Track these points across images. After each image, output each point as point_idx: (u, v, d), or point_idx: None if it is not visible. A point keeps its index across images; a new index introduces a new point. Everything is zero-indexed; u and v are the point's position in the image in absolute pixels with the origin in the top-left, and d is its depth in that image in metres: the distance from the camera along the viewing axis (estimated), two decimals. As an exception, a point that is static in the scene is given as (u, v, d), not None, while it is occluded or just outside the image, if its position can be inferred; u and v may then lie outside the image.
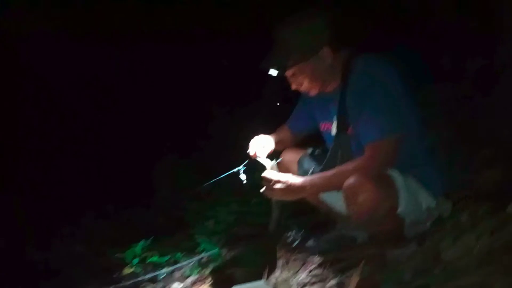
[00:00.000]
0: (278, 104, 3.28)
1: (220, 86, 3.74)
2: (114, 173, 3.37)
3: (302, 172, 1.90)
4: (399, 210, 1.63)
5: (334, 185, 1.67)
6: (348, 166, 1.65)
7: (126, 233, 2.72)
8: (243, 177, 1.81)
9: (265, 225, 2.40)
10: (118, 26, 3.51)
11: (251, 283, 1.61)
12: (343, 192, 1.65)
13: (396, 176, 1.64)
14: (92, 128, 3.68)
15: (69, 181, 3.32)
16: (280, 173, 1.73)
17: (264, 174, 1.70)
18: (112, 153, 3.56)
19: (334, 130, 1.78)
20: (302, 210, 2.30)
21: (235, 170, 1.80)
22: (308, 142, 2.06)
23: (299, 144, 2.08)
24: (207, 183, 1.89)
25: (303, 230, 2.23)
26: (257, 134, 1.95)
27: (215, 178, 1.84)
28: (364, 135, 1.62)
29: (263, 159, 1.81)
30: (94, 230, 2.89)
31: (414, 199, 1.66)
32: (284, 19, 1.70)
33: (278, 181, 1.67)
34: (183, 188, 3.14)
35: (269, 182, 1.68)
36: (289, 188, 1.67)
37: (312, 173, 1.83)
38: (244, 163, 1.82)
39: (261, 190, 1.71)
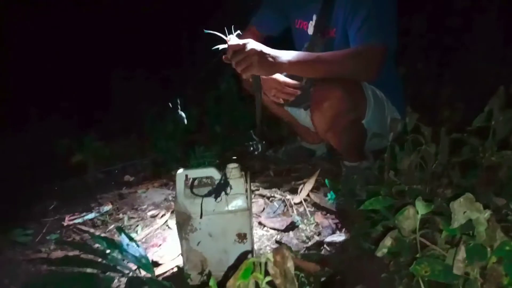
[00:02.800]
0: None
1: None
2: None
3: None
4: (364, 120, 1.60)
5: (314, 66, 1.48)
6: (338, 52, 1.51)
7: (79, 131, 2.59)
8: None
9: (223, 135, 2.41)
10: None
11: (201, 168, 1.52)
12: (311, 96, 1.58)
13: (367, 85, 1.59)
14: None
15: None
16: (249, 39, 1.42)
17: (230, 42, 1.39)
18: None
19: (311, 30, 1.67)
20: (265, 122, 2.26)
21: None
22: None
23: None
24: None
25: (264, 140, 2.21)
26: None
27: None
28: (356, 35, 1.50)
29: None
30: (46, 124, 2.72)
31: (380, 111, 1.63)
32: None
33: (247, 44, 1.38)
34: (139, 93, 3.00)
35: (237, 50, 1.39)
36: (263, 53, 1.39)
37: None
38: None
39: (233, 64, 1.42)
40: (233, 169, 1.26)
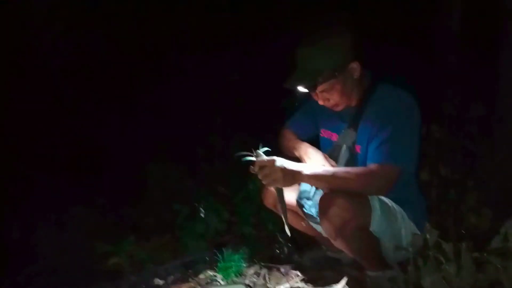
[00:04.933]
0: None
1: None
2: (106, 169, 3.38)
3: None
4: (371, 228, 1.66)
5: (330, 181, 1.66)
6: (352, 169, 1.67)
7: (114, 230, 2.72)
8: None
9: (250, 237, 2.48)
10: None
11: (230, 284, 1.62)
12: (318, 204, 1.69)
13: (372, 197, 1.67)
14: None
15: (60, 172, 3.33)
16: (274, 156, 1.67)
17: (256, 159, 1.64)
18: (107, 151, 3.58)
19: (339, 141, 1.81)
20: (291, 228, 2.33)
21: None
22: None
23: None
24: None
25: (290, 245, 2.26)
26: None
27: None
28: (374, 154, 1.64)
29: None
30: (82, 223, 2.88)
31: (390, 221, 1.69)
32: (306, 36, 1.72)
33: (273, 162, 1.63)
34: (173, 191, 3.15)
35: (263, 165, 1.63)
36: (286, 169, 1.63)
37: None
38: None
39: (259, 177, 1.65)
40: (260, 286, 1.33)
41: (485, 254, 1.33)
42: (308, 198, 1.88)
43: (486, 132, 2.72)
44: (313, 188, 1.88)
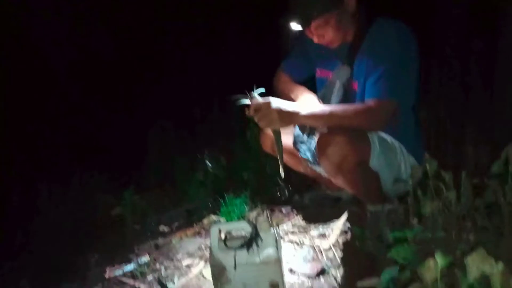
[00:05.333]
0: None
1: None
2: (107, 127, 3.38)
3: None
4: (371, 164, 1.66)
5: (328, 120, 1.63)
6: (350, 106, 1.65)
7: (115, 183, 2.74)
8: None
9: (251, 181, 2.50)
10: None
11: (233, 222, 1.65)
12: (316, 144, 1.68)
13: (371, 133, 1.66)
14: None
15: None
16: (269, 97, 1.62)
17: (251, 101, 1.59)
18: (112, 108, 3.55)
19: (334, 80, 1.77)
20: (289, 169, 2.34)
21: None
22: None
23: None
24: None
25: (290, 186, 2.29)
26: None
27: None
28: (372, 89, 1.61)
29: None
30: (84, 179, 2.90)
31: (389, 156, 1.69)
32: None
33: (268, 103, 1.58)
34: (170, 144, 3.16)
35: (259, 107, 1.59)
36: (282, 110, 1.59)
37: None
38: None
39: (255, 119, 1.61)
40: (262, 222, 1.35)
41: (485, 180, 1.33)
42: (302, 142, 1.88)
43: (483, 66, 2.69)
44: (308, 132, 1.87)
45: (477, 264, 0.76)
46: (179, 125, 3.32)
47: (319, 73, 1.89)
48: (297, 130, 1.89)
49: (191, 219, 2.20)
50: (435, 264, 0.86)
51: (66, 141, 3.25)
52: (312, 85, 1.92)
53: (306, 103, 1.77)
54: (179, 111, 3.40)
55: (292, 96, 1.85)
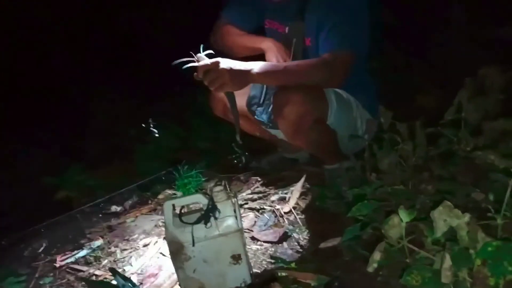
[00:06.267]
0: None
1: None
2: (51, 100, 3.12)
3: None
4: (329, 121, 1.63)
5: (282, 77, 1.53)
6: (304, 61, 1.56)
7: (59, 161, 2.55)
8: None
9: (206, 150, 2.41)
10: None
11: (187, 196, 1.57)
12: (273, 103, 1.61)
13: (327, 90, 1.62)
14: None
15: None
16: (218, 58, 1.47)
17: (200, 63, 1.43)
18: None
19: (287, 33, 1.68)
20: (244, 134, 2.27)
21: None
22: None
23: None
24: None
25: (246, 152, 2.22)
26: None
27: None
28: (324, 43, 1.53)
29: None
30: (24, 157, 2.67)
31: (346, 113, 1.66)
32: None
33: (217, 63, 1.43)
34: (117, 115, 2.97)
35: (208, 69, 1.43)
36: (233, 70, 1.44)
37: None
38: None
39: (205, 83, 1.46)
40: (219, 192, 1.28)
41: (438, 128, 1.32)
42: (257, 104, 1.79)
43: (434, 14, 2.70)
44: (262, 94, 1.78)
45: (443, 217, 0.73)
46: (126, 94, 3.14)
47: (268, 24, 1.78)
48: (252, 91, 1.80)
49: (145, 195, 2.08)
50: (399, 221, 0.83)
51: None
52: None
53: (270, 50, 1.67)
54: (125, 80, 3.20)
55: (250, 47, 1.73)
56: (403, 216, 0.83)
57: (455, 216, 0.71)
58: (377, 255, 0.84)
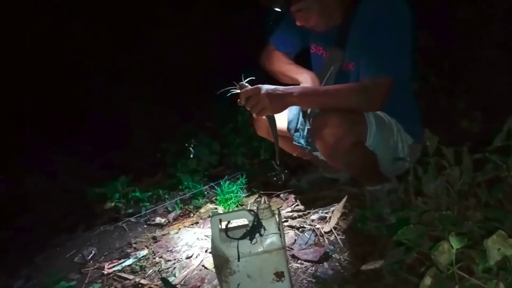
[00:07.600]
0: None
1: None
2: (93, 116, 3.29)
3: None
4: (367, 143, 1.63)
5: (322, 100, 1.59)
6: (344, 86, 1.59)
7: (104, 173, 2.67)
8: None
9: (244, 166, 2.47)
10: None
11: (233, 211, 1.62)
12: (311, 126, 1.64)
13: (367, 113, 1.63)
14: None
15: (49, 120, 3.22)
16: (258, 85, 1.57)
17: (241, 91, 1.54)
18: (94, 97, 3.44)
19: (329, 58, 1.71)
20: (285, 152, 2.31)
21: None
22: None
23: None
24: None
25: (286, 170, 2.25)
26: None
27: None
28: (365, 68, 1.56)
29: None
30: (71, 170, 2.83)
31: (386, 135, 1.67)
32: None
33: (258, 89, 1.53)
34: (160, 131, 3.09)
35: (249, 96, 1.54)
36: (273, 94, 1.53)
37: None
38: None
39: (247, 108, 1.56)
40: (264, 210, 1.32)
41: (487, 154, 1.31)
42: (294, 129, 1.83)
43: (473, 37, 2.66)
44: (299, 119, 1.82)
45: (497, 246, 0.74)
46: (169, 111, 3.27)
47: (313, 48, 1.82)
48: (289, 117, 1.84)
49: (187, 208, 2.15)
50: (449, 247, 0.84)
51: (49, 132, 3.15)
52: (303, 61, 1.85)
53: (307, 78, 1.72)
54: (169, 98, 3.33)
55: (290, 76, 1.79)
56: (454, 243, 0.84)
57: (509, 246, 0.72)
58: (428, 280, 0.85)
